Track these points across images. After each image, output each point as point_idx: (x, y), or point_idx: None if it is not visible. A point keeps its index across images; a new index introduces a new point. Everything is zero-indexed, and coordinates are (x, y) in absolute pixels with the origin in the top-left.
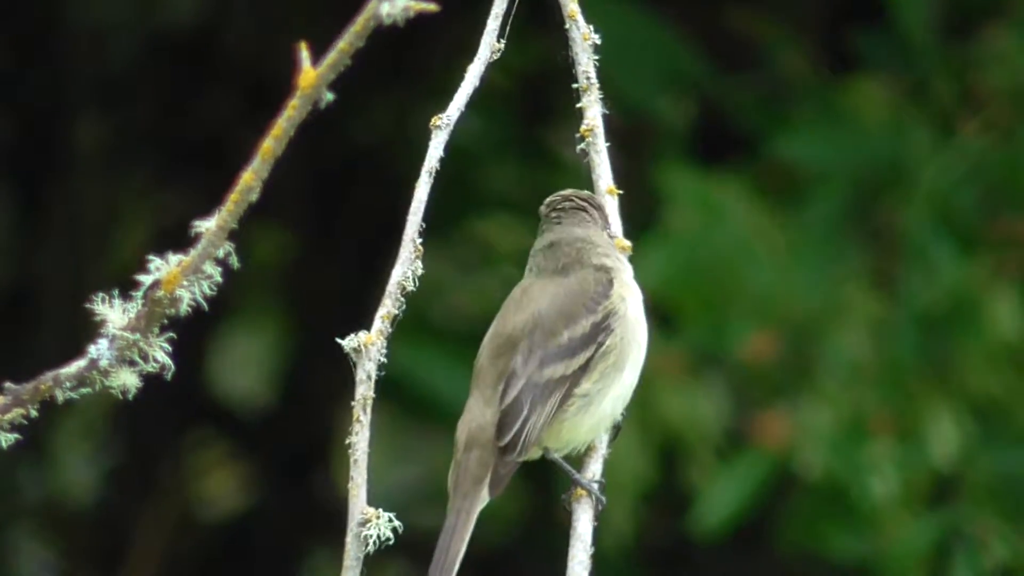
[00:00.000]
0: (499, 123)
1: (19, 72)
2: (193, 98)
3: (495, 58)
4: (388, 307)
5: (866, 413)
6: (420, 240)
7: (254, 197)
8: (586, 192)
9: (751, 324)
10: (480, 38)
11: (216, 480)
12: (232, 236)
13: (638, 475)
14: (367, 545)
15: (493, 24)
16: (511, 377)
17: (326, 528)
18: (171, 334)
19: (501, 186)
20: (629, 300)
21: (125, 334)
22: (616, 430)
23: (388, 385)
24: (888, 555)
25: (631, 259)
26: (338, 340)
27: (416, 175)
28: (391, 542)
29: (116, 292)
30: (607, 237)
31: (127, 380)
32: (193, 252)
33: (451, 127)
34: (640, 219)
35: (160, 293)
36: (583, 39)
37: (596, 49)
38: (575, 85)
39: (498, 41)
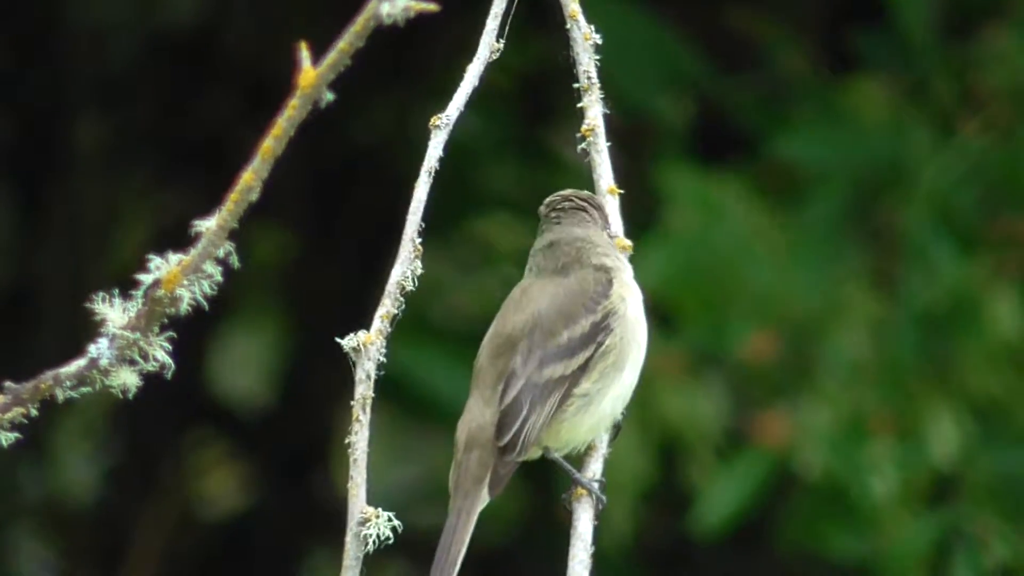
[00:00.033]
0: (499, 123)
1: (19, 72)
2: (193, 98)
3: (495, 58)
4: (387, 307)
5: (866, 413)
6: (420, 240)
7: (254, 197)
8: (586, 192)
9: (751, 324)
10: (480, 38)
11: (216, 479)
12: (232, 236)
13: (638, 475)
14: (367, 544)
15: (492, 24)
16: (511, 377)
17: (326, 528)
18: (171, 333)
19: (501, 186)
20: (629, 300)
21: (125, 333)
22: (616, 430)
23: (387, 385)
24: (888, 555)
25: (631, 259)
26: (337, 340)
27: (416, 175)
28: (390, 541)
29: (116, 291)
30: (607, 237)
31: (127, 379)
32: (193, 252)
33: (451, 127)
34: (640, 219)
35: (160, 292)
36: (584, 39)
37: (597, 49)
38: (576, 85)
39: (497, 41)
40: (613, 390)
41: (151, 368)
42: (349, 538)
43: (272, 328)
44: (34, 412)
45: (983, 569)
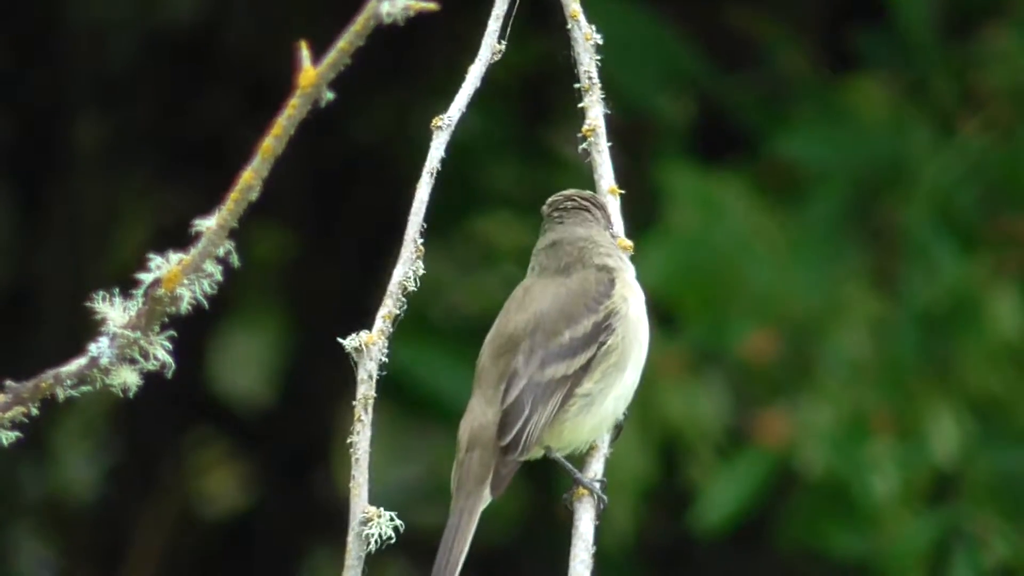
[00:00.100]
0: (499, 122)
1: (19, 72)
2: (193, 98)
3: (496, 59)
4: (389, 307)
5: (866, 411)
6: (421, 240)
7: (254, 196)
8: (588, 192)
9: (751, 323)
10: (481, 37)
11: (216, 479)
12: (232, 235)
13: (639, 474)
14: (368, 544)
15: (494, 25)
16: (513, 377)
17: (326, 527)
18: (172, 332)
19: (501, 185)
20: (631, 300)
21: (126, 332)
22: (618, 430)
23: (388, 384)
24: (888, 553)
25: (632, 259)
26: (339, 340)
27: (417, 175)
28: (392, 541)
29: (116, 291)
30: (610, 237)
31: (127, 378)
32: (193, 251)
33: (452, 128)
34: (640, 218)
35: (161, 291)
36: (585, 39)
37: (598, 49)
38: (577, 85)
39: (499, 42)
40: (615, 390)
41: (151, 367)
42: (351, 538)
43: (273, 327)
44: (34, 411)
45: (983, 568)
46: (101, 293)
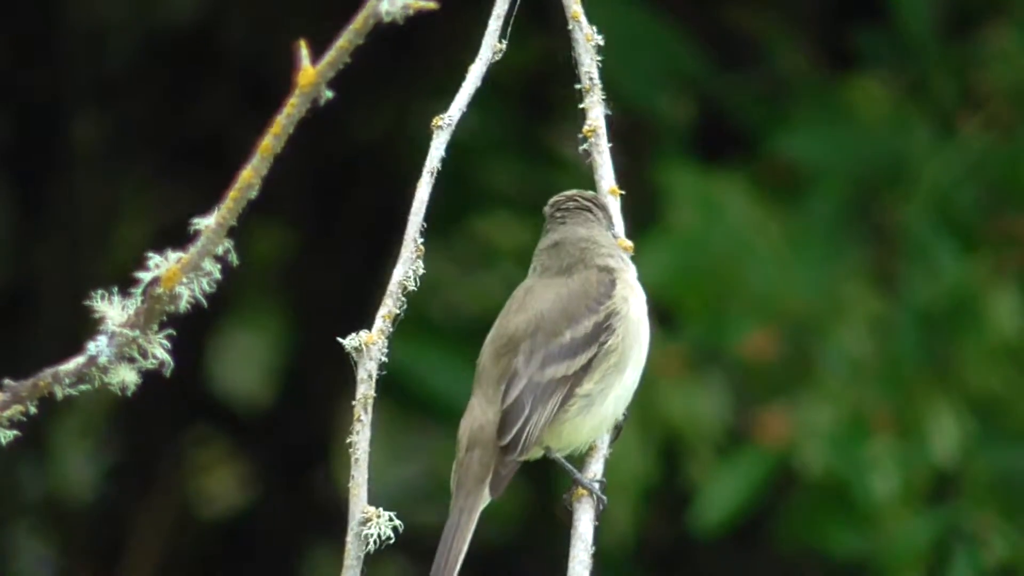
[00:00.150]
0: (499, 122)
1: (19, 71)
2: (192, 96)
3: (497, 59)
4: (389, 307)
5: (866, 410)
6: (421, 240)
7: (253, 194)
8: (590, 192)
9: (751, 321)
10: (481, 37)
11: (216, 478)
12: (231, 234)
13: (639, 474)
14: (368, 544)
15: (495, 24)
16: (513, 377)
17: (326, 527)
18: (170, 331)
19: (501, 185)
20: (631, 300)
21: (124, 331)
22: (617, 430)
23: (388, 384)
24: (888, 552)
25: (633, 259)
26: (339, 340)
27: (417, 174)
28: (391, 541)
29: (115, 289)
30: (611, 237)
31: (126, 377)
32: (192, 249)
33: (452, 127)
34: (640, 217)
35: (159, 290)
36: (586, 40)
37: (599, 50)
38: (578, 86)
39: (500, 42)
40: (615, 390)
41: (150, 366)
42: (350, 538)
43: (273, 327)
44: (33, 410)
45: (983, 566)
46: (100, 292)
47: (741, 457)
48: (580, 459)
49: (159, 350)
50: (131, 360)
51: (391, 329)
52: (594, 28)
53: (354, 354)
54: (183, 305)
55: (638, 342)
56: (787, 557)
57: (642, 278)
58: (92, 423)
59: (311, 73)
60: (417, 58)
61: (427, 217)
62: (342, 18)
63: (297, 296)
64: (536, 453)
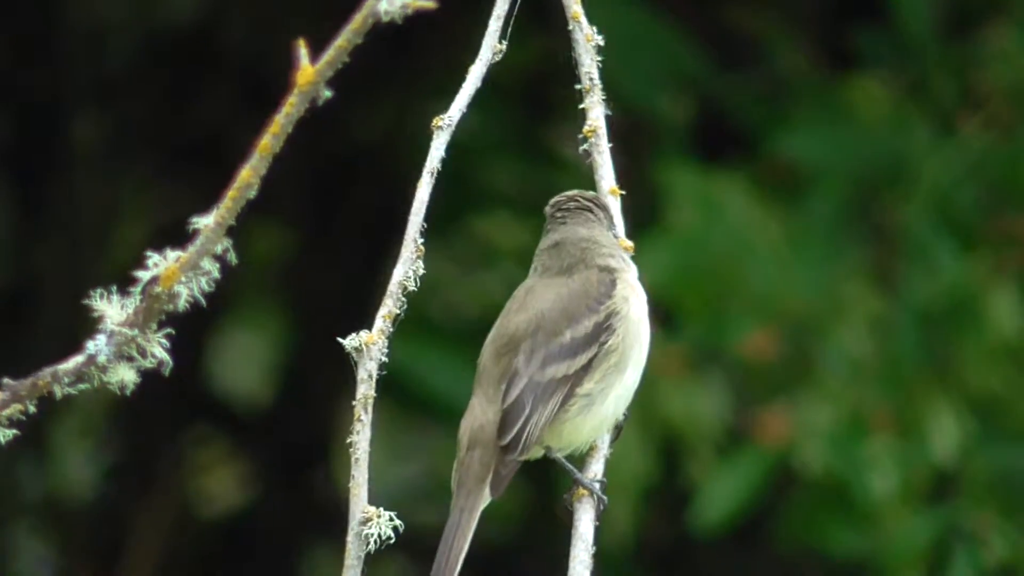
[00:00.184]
0: (500, 122)
1: (19, 71)
2: (192, 96)
3: (497, 59)
4: (389, 307)
5: (866, 410)
6: (421, 240)
7: (252, 194)
8: (591, 192)
9: (751, 321)
10: (481, 37)
11: (215, 477)
12: (230, 233)
13: (639, 474)
14: (368, 544)
15: (495, 25)
16: (513, 376)
17: (326, 527)
18: (169, 330)
19: (501, 185)
20: (632, 300)
21: (123, 330)
22: (618, 430)
23: (388, 383)
24: (888, 551)
25: (633, 259)
26: (339, 340)
27: (417, 174)
28: (392, 541)
29: (115, 288)
30: (612, 237)
31: (125, 376)
32: (191, 248)
33: (452, 128)
34: (640, 217)
35: (158, 289)
36: (586, 40)
37: (599, 50)
38: (578, 86)
39: (500, 42)
40: (615, 390)
41: (149, 365)
42: (351, 538)
43: (272, 326)
44: (32, 409)
45: (982, 566)
46: (99, 291)
47: (741, 457)
48: (580, 459)
49: (158, 349)
50: (130, 359)
51: (391, 329)
52: (594, 28)
53: (354, 354)
54: (182, 304)
55: (638, 342)
56: (787, 557)
57: (642, 278)
58: (92, 423)
59: (310, 72)
60: (417, 58)
61: (427, 217)
62: (341, 18)
63: (297, 296)
64: (536, 453)
